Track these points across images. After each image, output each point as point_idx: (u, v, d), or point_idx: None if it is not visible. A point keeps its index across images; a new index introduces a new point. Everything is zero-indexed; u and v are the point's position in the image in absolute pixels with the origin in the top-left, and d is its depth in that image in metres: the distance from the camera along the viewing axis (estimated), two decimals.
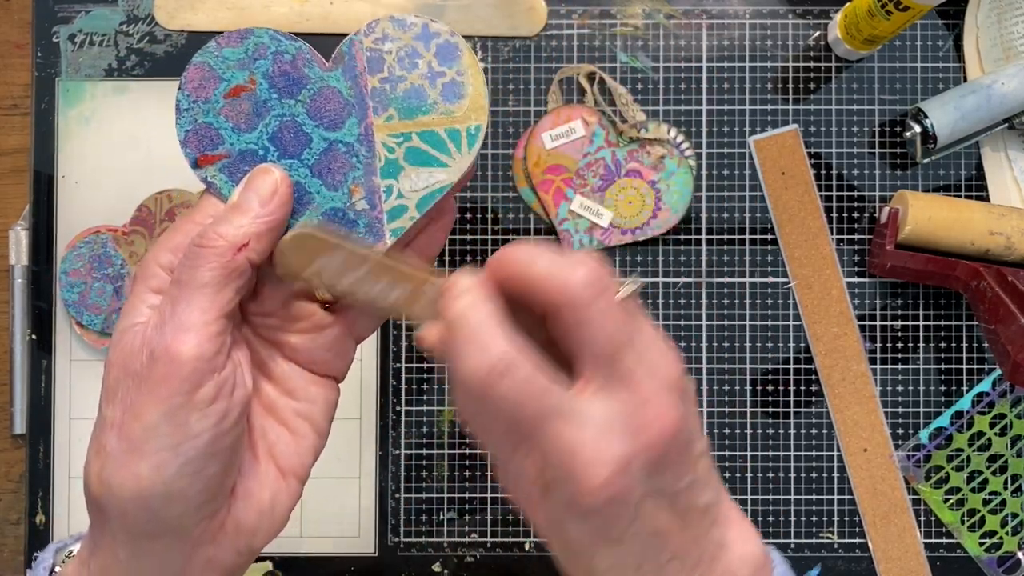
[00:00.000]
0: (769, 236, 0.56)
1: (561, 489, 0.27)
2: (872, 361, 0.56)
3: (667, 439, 0.27)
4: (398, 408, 0.56)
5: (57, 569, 0.32)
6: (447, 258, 0.56)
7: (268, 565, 0.55)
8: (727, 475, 0.56)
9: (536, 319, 0.28)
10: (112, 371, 0.28)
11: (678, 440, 0.27)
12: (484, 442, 0.29)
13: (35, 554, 0.33)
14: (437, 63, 0.30)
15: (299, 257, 0.28)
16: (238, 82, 0.31)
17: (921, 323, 0.56)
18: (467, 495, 0.56)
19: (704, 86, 0.56)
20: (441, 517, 0.56)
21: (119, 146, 0.56)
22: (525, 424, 0.26)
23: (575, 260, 0.27)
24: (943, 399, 0.56)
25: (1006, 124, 0.55)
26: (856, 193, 0.56)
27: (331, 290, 0.29)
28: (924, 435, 0.55)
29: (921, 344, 0.56)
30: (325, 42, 0.56)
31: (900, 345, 0.56)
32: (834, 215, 0.56)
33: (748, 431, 0.56)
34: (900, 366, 0.56)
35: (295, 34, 0.55)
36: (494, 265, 0.28)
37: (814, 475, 0.56)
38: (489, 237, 0.56)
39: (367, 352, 0.56)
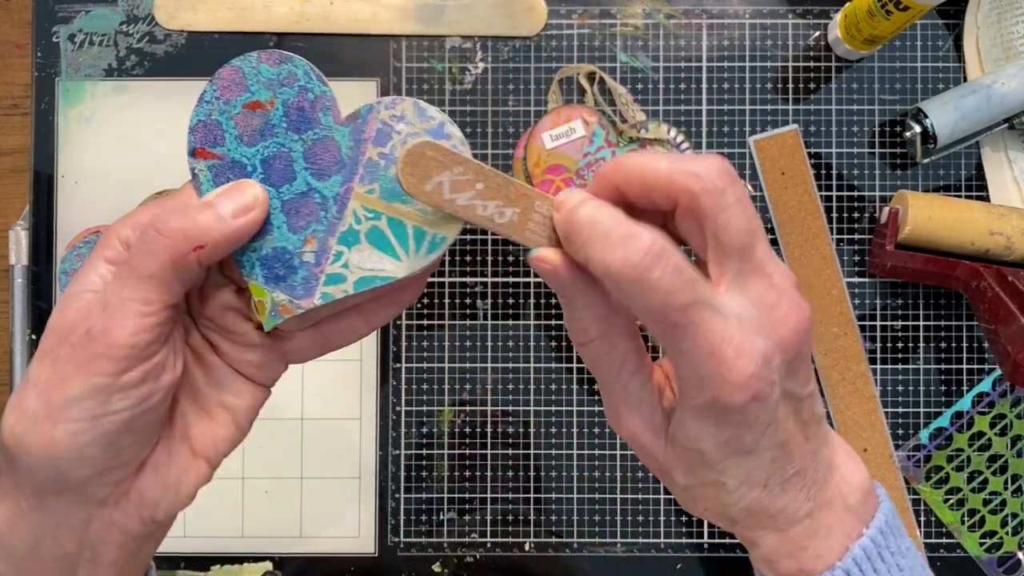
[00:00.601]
0: (769, 236, 0.56)
1: (700, 391, 0.27)
2: (872, 361, 0.56)
3: (801, 334, 0.27)
4: (398, 408, 0.56)
5: None
6: (448, 258, 0.56)
7: (268, 565, 0.55)
8: None
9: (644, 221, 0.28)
10: (50, 334, 0.29)
11: (808, 337, 0.27)
12: (602, 375, 0.29)
13: None
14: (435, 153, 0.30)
15: (416, 171, 0.28)
16: (260, 99, 0.31)
17: (921, 323, 0.56)
18: (467, 495, 0.56)
19: (704, 86, 0.56)
20: (441, 517, 0.56)
21: (119, 146, 0.56)
22: (671, 314, 0.26)
23: (695, 156, 0.27)
24: (943, 399, 0.56)
25: (1006, 124, 0.55)
26: (856, 193, 0.56)
27: (450, 208, 0.29)
28: (924, 435, 0.55)
29: (921, 344, 0.56)
30: (325, 42, 0.56)
31: (900, 345, 0.56)
32: (834, 215, 0.56)
33: None
34: (900, 366, 0.56)
35: (295, 34, 0.56)
36: (610, 173, 0.28)
37: None
38: (489, 237, 0.56)
39: (367, 352, 0.56)
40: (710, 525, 0.56)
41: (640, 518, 0.56)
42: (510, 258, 0.56)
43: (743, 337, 0.26)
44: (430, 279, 0.56)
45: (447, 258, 0.56)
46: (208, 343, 0.32)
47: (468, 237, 0.56)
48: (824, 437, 0.30)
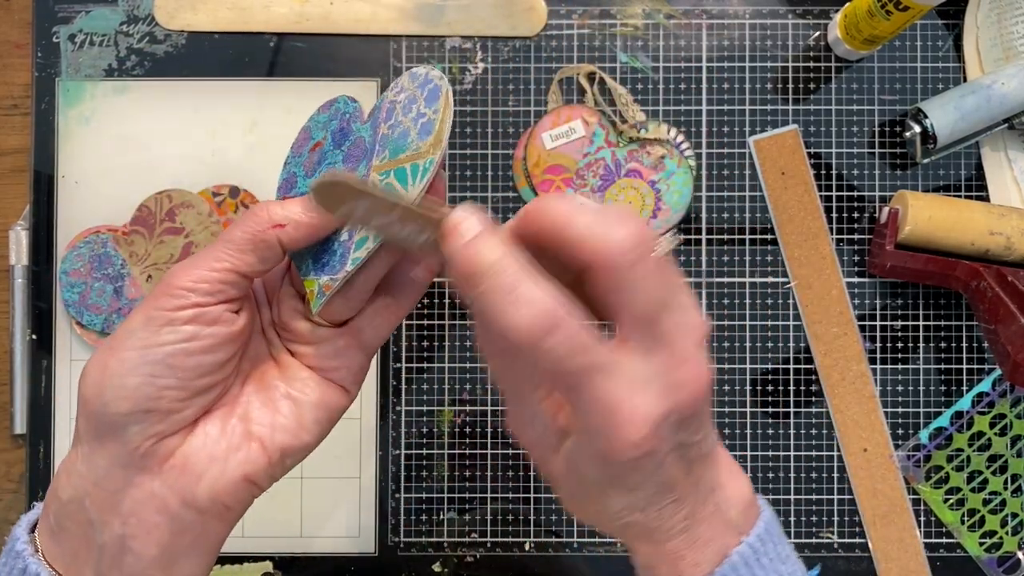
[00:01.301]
0: (769, 236, 0.56)
1: (592, 441, 0.28)
2: (872, 361, 0.56)
3: (698, 397, 0.28)
4: (398, 408, 0.56)
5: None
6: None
7: (268, 565, 0.55)
8: None
9: (560, 266, 0.28)
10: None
11: (706, 398, 0.28)
12: (504, 385, 0.31)
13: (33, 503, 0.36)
14: (424, 105, 0.32)
15: (327, 199, 0.30)
16: (317, 139, 0.36)
17: (921, 323, 0.56)
18: (467, 495, 0.56)
19: (704, 86, 0.56)
20: (441, 517, 0.56)
21: (119, 146, 0.56)
22: (564, 377, 0.27)
23: (616, 219, 0.27)
24: (943, 399, 0.56)
25: (1006, 124, 0.55)
26: (856, 193, 0.56)
27: (368, 230, 0.31)
28: (924, 435, 0.55)
29: (921, 344, 0.56)
30: (325, 42, 0.56)
31: (900, 345, 0.56)
32: (834, 215, 0.56)
33: (748, 431, 0.56)
34: (900, 366, 0.56)
35: (295, 34, 0.56)
36: (530, 217, 0.28)
37: (814, 475, 0.56)
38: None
39: None
40: None
41: None
42: None
43: (638, 400, 0.26)
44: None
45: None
46: (287, 350, 0.35)
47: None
48: (708, 464, 0.31)
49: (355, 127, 0.35)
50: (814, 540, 0.56)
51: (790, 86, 0.56)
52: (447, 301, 0.56)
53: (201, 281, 0.31)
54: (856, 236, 0.56)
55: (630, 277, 0.26)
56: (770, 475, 0.56)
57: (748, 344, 0.56)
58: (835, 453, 0.56)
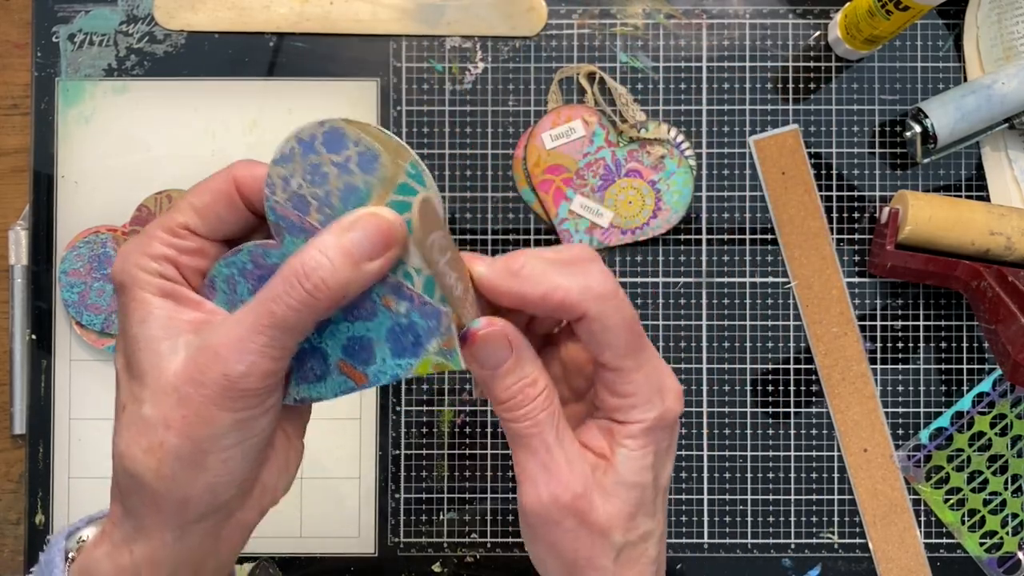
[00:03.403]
0: (769, 236, 0.56)
1: (651, 407, 0.31)
2: (872, 361, 0.56)
3: (681, 399, 0.33)
4: (398, 408, 0.56)
5: (72, 554, 0.33)
6: None
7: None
8: (727, 475, 0.56)
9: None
10: (172, 379, 0.29)
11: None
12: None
13: (47, 538, 0.35)
14: (334, 155, 0.29)
15: (424, 224, 0.29)
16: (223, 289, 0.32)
17: (921, 323, 0.56)
18: (467, 495, 0.56)
19: (704, 86, 0.56)
20: (441, 517, 0.56)
21: (119, 146, 0.56)
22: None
23: (581, 269, 0.30)
24: (943, 399, 0.56)
25: (1006, 124, 0.55)
26: (856, 193, 0.56)
27: (434, 268, 0.29)
28: (924, 435, 0.55)
29: (921, 344, 0.56)
30: (325, 42, 0.56)
31: (900, 345, 0.56)
32: (834, 215, 0.56)
33: (748, 431, 0.56)
34: (900, 366, 0.56)
35: (295, 34, 0.56)
36: (514, 290, 0.30)
37: (814, 475, 0.56)
38: (489, 237, 0.56)
39: None
40: (710, 525, 0.56)
41: None
42: None
43: (668, 376, 0.32)
44: None
45: None
46: None
47: (468, 238, 0.56)
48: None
49: (274, 260, 0.30)
50: (814, 540, 0.56)
51: (790, 86, 0.56)
52: None
53: (278, 372, 0.29)
54: (856, 236, 0.56)
55: (612, 310, 0.30)
56: (770, 475, 0.56)
57: (748, 344, 0.56)
58: (835, 453, 0.56)
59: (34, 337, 0.55)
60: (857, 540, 0.56)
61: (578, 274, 0.30)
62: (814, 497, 0.56)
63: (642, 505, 0.31)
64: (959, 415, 0.55)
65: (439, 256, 0.29)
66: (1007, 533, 0.56)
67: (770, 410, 0.56)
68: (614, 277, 0.30)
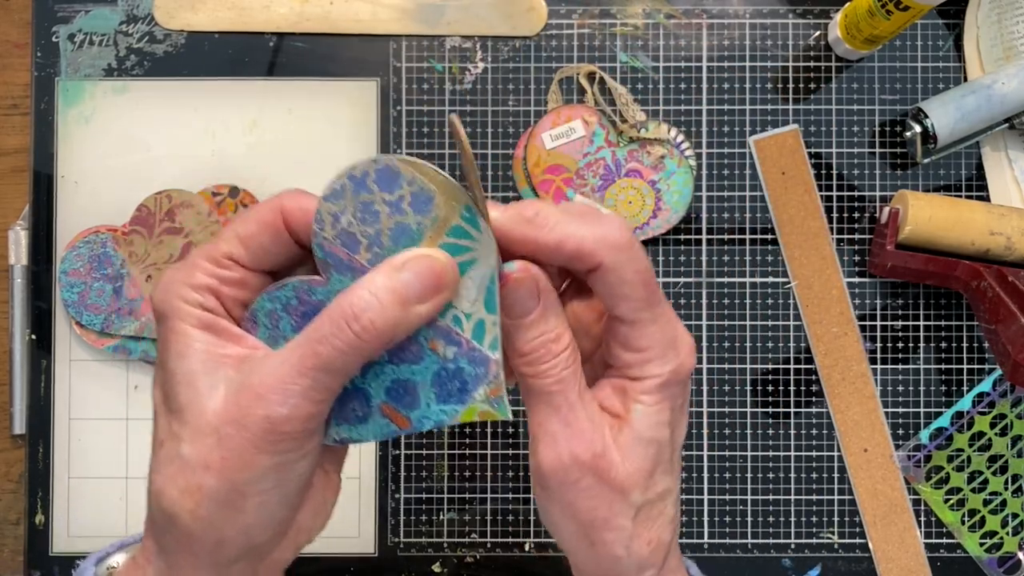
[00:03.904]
0: (769, 236, 0.56)
1: (664, 363, 0.30)
2: (872, 361, 0.56)
3: (694, 355, 0.32)
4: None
5: None
6: None
7: None
8: (727, 475, 0.56)
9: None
10: (212, 418, 0.28)
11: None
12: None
13: (77, 561, 0.34)
14: (386, 194, 0.28)
15: (465, 143, 0.28)
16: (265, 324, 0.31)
17: (921, 323, 0.56)
18: (467, 495, 0.56)
19: (704, 86, 0.56)
20: (441, 517, 0.56)
21: (119, 146, 0.56)
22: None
23: (597, 219, 0.29)
24: (943, 399, 0.56)
25: (1006, 124, 0.55)
26: (856, 193, 0.56)
27: (475, 189, 0.29)
28: (924, 435, 0.55)
29: (921, 344, 0.56)
30: (325, 42, 0.56)
31: (900, 345, 0.56)
32: (834, 215, 0.56)
33: (748, 431, 0.56)
34: (900, 366, 0.56)
35: (295, 34, 0.56)
36: (533, 239, 0.29)
37: (814, 475, 0.56)
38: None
39: None
40: (710, 525, 0.56)
41: None
42: None
43: (682, 330, 0.31)
44: None
45: None
46: None
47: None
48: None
49: (319, 298, 0.29)
50: (814, 540, 0.56)
51: (790, 86, 0.56)
52: None
53: (321, 415, 0.28)
54: (856, 236, 0.56)
55: (628, 261, 0.29)
56: (770, 475, 0.56)
57: (748, 344, 0.56)
58: (835, 453, 0.56)
59: (34, 337, 0.55)
60: (857, 540, 0.56)
61: (594, 223, 0.29)
62: (814, 497, 0.56)
63: (660, 462, 0.31)
64: (959, 415, 0.55)
65: (477, 186, 0.28)
66: (1007, 533, 0.56)
67: (770, 410, 0.56)
68: (631, 230, 0.29)
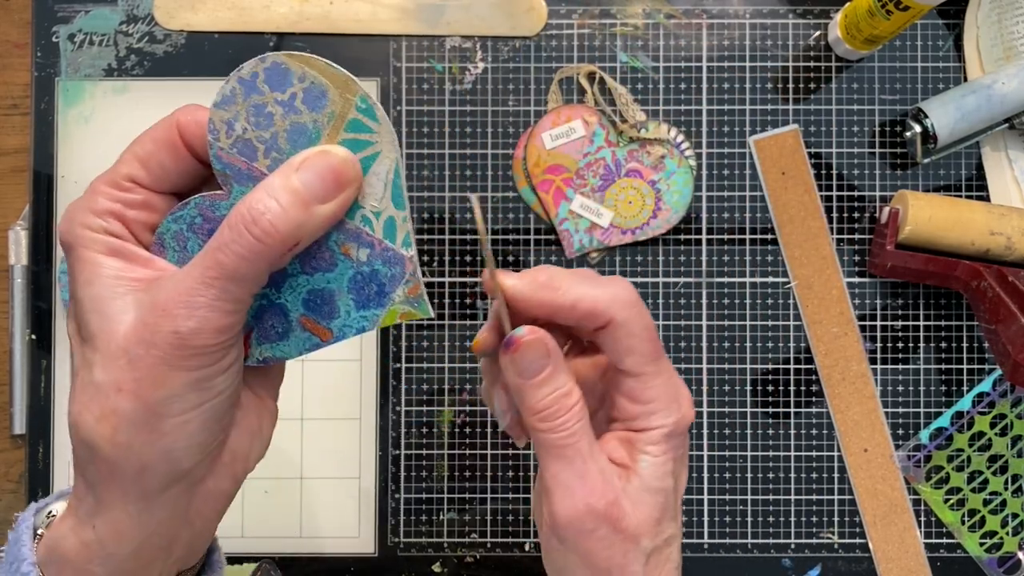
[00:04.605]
0: (769, 236, 0.56)
1: (668, 416, 0.33)
2: (872, 361, 0.56)
3: (692, 407, 0.34)
4: (398, 408, 0.56)
5: (41, 531, 0.32)
6: (447, 257, 0.56)
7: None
8: (727, 475, 0.56)
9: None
10: (122, 341, 0.27)
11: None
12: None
13: (15, 514, 0.33)
14: (278, 93, 0.27)
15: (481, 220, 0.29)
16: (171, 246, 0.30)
17: (921, 323, 0.56)
18: (467, 495, 0.56)
19: (704, 86, 0.56)
20: (441, 517, 0.56)
21: (119, 146, 0.55)
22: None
23: (604, 281, 0.32)
24: (943, 399, 0.56)
25: (1006, 124, 0.55)
26: (856, 193, 0.56)
27: (490, 263, 0.30)
28: (924, 435, 0.55)
29: (921, 344, 0.56)
30: (325, 42, 0.56)
31: (900, 345, 0.56)
32: (834, 215, 0.56)
33: (748, 431, 0.56)
34: (900, 366, 0.56)
35: (295, 34, 0.56)
36: (540, 303, 0.31)
37: (814, 475, 0.56)
38: (489, 237, 0.56)
39: (367, 352, 0.56)
40: (710, 525, 0.56)
41: None
42: (510, 258, 0.56)
43: (682, 384, 0.33)
44: (430, 279, 0.56)
45: (446, 258, 0.56)
46: None
47: (468, 237, 0.56)
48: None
49: (221, 212, 0.29)
50: (814, 540, 0.56)
51: (790, 86, 0.56)
52: (447, 301, 0.56)
53: (234, 326, 0.27)
54: (856, 236, 0.56)
55: (637, 317, 0.31)
56: (770, 475, 0.56)
57: (748, 344, 0.56)
58: (835, 453, 0.56)
59: (34, 337, 0.55)
60: (857, 540, 0.56)
61: (604, 284, 0.31)
62: (814, 497, 0.56)
63: (666, 510, 0.32)
64: (959, 415, 0.55)
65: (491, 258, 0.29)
66: (1007, 533, 0.56)
67: (770, 410, 0.56)
68: (635, 289, 0.32)
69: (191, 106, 0.29)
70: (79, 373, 0.28)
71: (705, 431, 0.56)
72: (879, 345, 0.56)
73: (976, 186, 0.56)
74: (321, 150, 0.27)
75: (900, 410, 0.56)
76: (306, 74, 0.27)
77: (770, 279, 0.56)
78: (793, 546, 0.56)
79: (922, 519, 0.56)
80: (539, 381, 0.31)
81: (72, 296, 0.29)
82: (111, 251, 0.28)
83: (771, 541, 0.56)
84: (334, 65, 0.27)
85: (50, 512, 0.33)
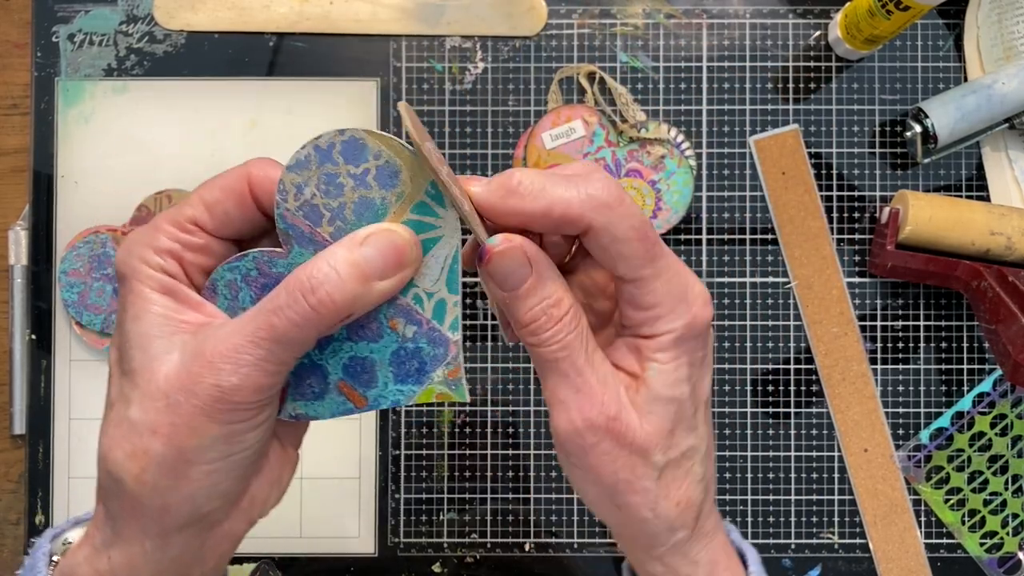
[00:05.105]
0: (769, 236, 0.56)
1: (676, 318, 0.29)
2: (872, 361, 0.56)
3: (710, 305, 0.31)
4: (398, 409, 0.56)
5: (56, 557, 0.32)
6: None
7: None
8: (727, 475, 0.56)
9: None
10: (163, 383, 0.28)
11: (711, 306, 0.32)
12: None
13: (31, 539, 0.33)
14: (351, 166, 0.28)
15: (416, 126, 0.27)
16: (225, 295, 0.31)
17: (921, 323, 0.56)
18: (467, 495, 0.56)
19: (704, 86, 0.56)
20: (441, 517, 0.56)
21: (119, 146, 0.56)
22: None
23: (579, 178, 0.28)
24: (943, 399, 0.56)
25: (1006, 124, 0.55)
26: (856, 193, 0.56)
27: (437, 175, 0.28)
28: (925, 435, 0.55)
29: (921, 344, 0.56)
30: (325, 42, 0.56)
31: (900, 345, 0.56)
32: (834, 215, 0.56)
33: (748, 431, 0.56)
34: (900, 366, 0.56)
35: (295, 34, 0.56)
36: (517, 209, 0.28)
37: (814, 475, 0.56)
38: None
39: None
40: None
41: None
42: None
43: (692, 281, 0.30)
44: None
45: None
46: None
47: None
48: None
49: (279, 269, 0.29)
50: (814, 540, 0.56)
51: (790, 86, 0.56)
52: None
53: (274, 386, 0.28)
54: (856, 236, 0.56)
55: (619, 219, 0.28)
56: (770, 475, 0.56)
57: (748, 344, 0.56)
58: (835, 453, 0.56)
59: (34, 337, 0.55)
60: (857, 540, 0.56)
61: (579, 184, 0.28)
62: (814, 497, 0.56)
63: (681, 420, 0.30)
64: (959, 415, 0.55)
65: (439, 166, 0.27)
66: (1007, 533, 0.56)
67: (770, 410, 0.56)
68: (619, 185, 0.28)
69: (265, 160, 0.29)
70: (115, 405, 0.29)
71: None
72: (879, 345, 0.56)
73: (976, 186, 0.56)
74: (387, 228, 0.28)
75: (900, 410, 0.56)
76: (382, 152, 0.28)
77: (770, 279, 0.56)
78: (793, 546, 0.56)
79: (922, 519, 0.56)
80: (523, 292, 0.29)
81: (119, 326, 0.29)
82: (164, 289, 0.29)
83: (771, 541, 0.56)
84: (410, 147, 0.28)
85: (66, 540, 0.33)
